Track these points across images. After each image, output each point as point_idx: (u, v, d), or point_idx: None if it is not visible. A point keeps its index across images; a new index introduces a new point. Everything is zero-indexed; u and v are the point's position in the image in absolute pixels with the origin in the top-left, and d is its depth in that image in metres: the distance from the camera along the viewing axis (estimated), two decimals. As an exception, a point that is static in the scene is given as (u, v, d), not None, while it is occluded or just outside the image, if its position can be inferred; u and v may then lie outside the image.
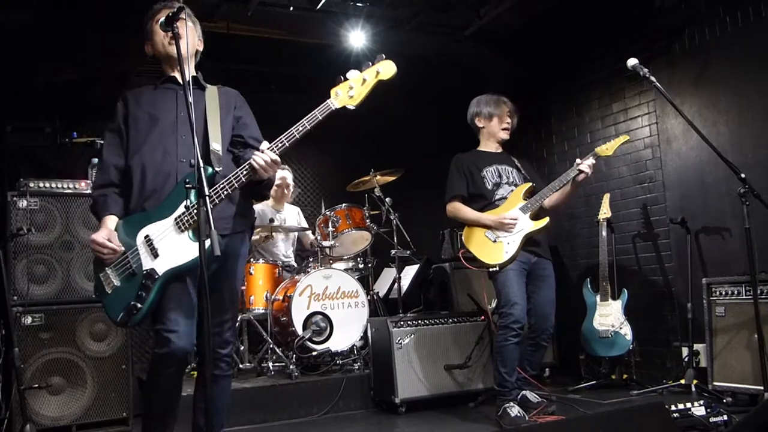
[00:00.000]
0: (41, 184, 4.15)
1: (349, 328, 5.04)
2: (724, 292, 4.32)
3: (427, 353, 4.56)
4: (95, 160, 4.42)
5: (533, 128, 6.30)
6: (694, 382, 4.40)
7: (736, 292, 4.24)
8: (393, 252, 5.55)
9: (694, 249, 4.76)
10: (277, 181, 5.38)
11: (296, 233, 5.92)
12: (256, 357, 5.10)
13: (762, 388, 3.47)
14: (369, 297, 5.34)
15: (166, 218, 2.59)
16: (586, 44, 5.67)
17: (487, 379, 4.61)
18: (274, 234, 5.56)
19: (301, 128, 2.62)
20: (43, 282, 4.07)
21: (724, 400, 4.05)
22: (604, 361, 4.96)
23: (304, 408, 4.49)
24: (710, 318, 4.36)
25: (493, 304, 4.73)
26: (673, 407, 3.37)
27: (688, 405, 3.42)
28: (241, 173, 2.59)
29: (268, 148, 2.61)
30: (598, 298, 4.97)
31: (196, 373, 4.59)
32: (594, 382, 4.91)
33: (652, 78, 3.64)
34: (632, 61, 3.72)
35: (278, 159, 2.61)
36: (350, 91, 2.64)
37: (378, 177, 5.73)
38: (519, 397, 4.00)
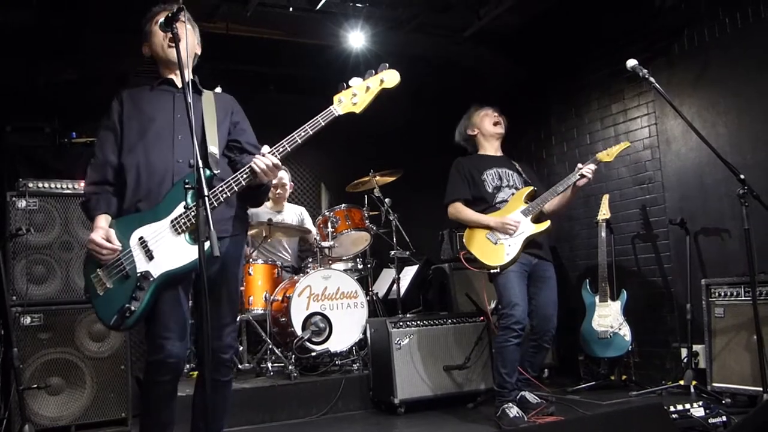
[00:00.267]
0: (40, 185, 4.14)
1: (348, 329, 5.04)
2: (723, 293, 4.32)
3: (426, 354, 4.56)
4: (94, 160, 4.41)
5: (533, 129, 6.30)
6: (693, 383, 4.40)
7: (735, 293, 4.24)
8: (392, 252, 5.55)
9: (693, 250, 4.76)
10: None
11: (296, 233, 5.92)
12: (255, 357, 5.10)
13: (761, 389, 3.47)
14: (368, 297, 5.35)
15: (161, 220, 2.56)
16: (585, 45, 5.67)
17: (486, 380, 4.62)
18: (273, 234, 5.56)
19: (303, 133, 2.61)
20: (42, 282, 4.07)
21: (723, 401, 4.05)
22: (603, 362, 4.96)
23: (303, 408, 4.49)
24: (709, 319, 4.36)
25: (492, 305, 4.73)
26: (672, 408, 3.37)
27: (687, 406, 3.42)
28: (241, 176, 2.58)
29: (269, 152, 2.60)
30: (597, 299, 4.97)
31: (196, 373, 4.63)
32: (593, 382, 4.91)
33: (652, 79, 3.65)
34: (632, 62, 3.72)
35: (279, 163, 2.59)
36: (354, 98, 2.64)
37: (377, 178, 5.73)
38: (518, 397, 4.00)
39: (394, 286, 5.67)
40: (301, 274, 5.25)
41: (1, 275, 3.70)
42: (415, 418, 4.34)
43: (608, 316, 4.87)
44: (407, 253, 5.74)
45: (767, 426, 2.33)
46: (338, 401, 4.59)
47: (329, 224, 5.41)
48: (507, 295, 3.94)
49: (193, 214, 2.52)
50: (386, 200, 5.64)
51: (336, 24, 5.57)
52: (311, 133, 2.62)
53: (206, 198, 2.22)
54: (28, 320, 3.96)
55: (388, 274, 6.58)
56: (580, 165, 4.03)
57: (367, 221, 5.58)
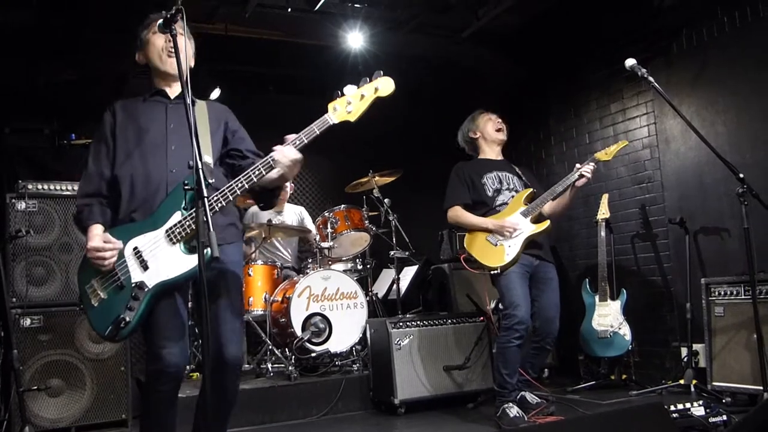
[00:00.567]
0: (40, 186, 4.14)
1: (348, 329, 5.04)
2: (722, 292, 4.32)
3: (426, 354, 4.56)
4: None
5: (532, 129, 6.30)
6: (693, 382, 4.40)
7: (734, 292, 4.24)
8: (392, 253, 5.55)
9: (692, 249, 4.76)
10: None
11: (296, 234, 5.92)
12: (255, 358, 5.10)
13: (761, 388, 3.47)
14: (368, 298, 5.34)
15: (155, 230, 2.54)
16: (584, 45, 5.67)
17: (486, 380, 4.61)
18: (273, 235, 5.56)
19: (298, 142, 2.59)
20: (42, 284, 4.07)
21: (724, 400, 4.05)
22: (603, 362, 4.96)
23: (303, 409, 4.49)
24: (709, 318, 4.36)
25: (492, 305, 4.74)
26: (672, 407, 3.37)
27: (688, 405, 3.42)
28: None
29: (290, 143, 2.58)
30: (597, 299, 4.98)
31: (196, 375, 4.63)
32: (593, 382, 4.91)
33: (651, 78, 3.64)
34: (630, 62, 3.72)
35: (300, 156, 2.57)
36: (348, 107, 2.62)
37: (376, 178, 5.74)
38: (518, 398, 4.00)
39: (394, 287, 5.67)
40: (301, 275, 5.25)
41: (1, 277, 3.70)
42: (415, 418, 4.34)
43: (608, 316, 4.87)
44: (407, 253, 5.73)
45: (767, 425, 2.33)
46: (338, 402, 4.59)
47: (329, 225, 5.41)
48: (509, 295, 3.94)
49: (188, 223, 2.50)
50: (385, 200, 5.64)
51: (335, 24, 5.57)
52: (306, 141, 2.60)
53: (206, 200, 2.21)
54: (27, 322, 3.96)
55: (387, 275, 6.58)
56: (578, 165, 4.04)
57: (366, 222, 5.58)
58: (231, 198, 2.55)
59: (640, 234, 5.24)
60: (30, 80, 5.72)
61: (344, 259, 5.70)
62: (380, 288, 6.45)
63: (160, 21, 2.49)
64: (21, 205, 4.07)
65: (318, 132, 2.60)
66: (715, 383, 4.23)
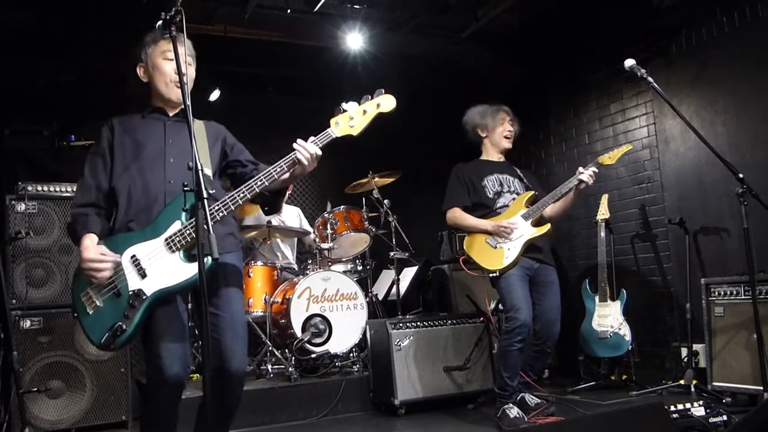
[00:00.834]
0: (39, 188, 4.14)
1: (348, 330, 5.04)
2: (722, 293, 4.32)
3: (426, 355, 4.56)
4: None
5: (532, 129, 6.30)
6: (694, 382, 4.40)
7: (734, 292, 4.24)
8: (392, 254, 5.55)
9: (692, 249, 4.76)
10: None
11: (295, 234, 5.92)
12: (255, 359, 5.10)
13: (761, 388, 3.46)
14: (368, 299, 5.34)
15: (155, 238, 2.54)
16: (584, 45, 5.67)
17: (486, 381, 4.61)
18: (272, 236, 5.56)
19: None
20: (42, 285, 4.07)
21: (724, 401, 4.05)
22: (603, 362, 4.96)
23: (303, 410, 4.49)
24: (709, 318, 4.36)
25: (492, 306, 4.73)
26: (672, 408, 3.37)
27: (688, 405, 3.42)
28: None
29: (312, 141, 2.64)
30: (597, 299, 4.98)
31: (196, 376, 4.63)
32: (593, 382, 4.91)
33: (650, 78, 3.64)
34: (630, 62, 3.71)
35: (320, 152, 2.64)
36: (351, 122, 2.68)
37: (376, 179, 5.73)
38: (517, 399, 3.99)
39: (394, 288, 5.67)
40: (301, 276, 5.25)
41: (1, 279, 3.70)
42: (415, 419, 4.34)
43: (608, 316, 4.87)
44: (407, 254, 5.73)
45: (767, 425, 2.33)
46: (338, 403, 4.58)
47: (328, 226, 5.40)
48: (510, 298, 3.90)
49: (188, 232, 2.50)
50: (385, 201, 5.64)
51: (334, 25, 5.57)
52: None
53: (206, 201, 2.21)
54: (27, 323, 3.96)
55: (387, 276, 6.58)
56: (581, 168, 3.99)
57: (366, 223, 5.58)
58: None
59: (640, 234, 5.24)
60: (30, 81, 5.72)
61: (344, 260, 5.70)
62: (380, 289, 6.45)
63: (159, 22, 2.49)
64: (21, 207, 4.07)
65: (321, 145, 2.67)
66: (715, 383, 4.23)
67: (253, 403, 4.35)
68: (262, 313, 5.13)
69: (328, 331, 4.98)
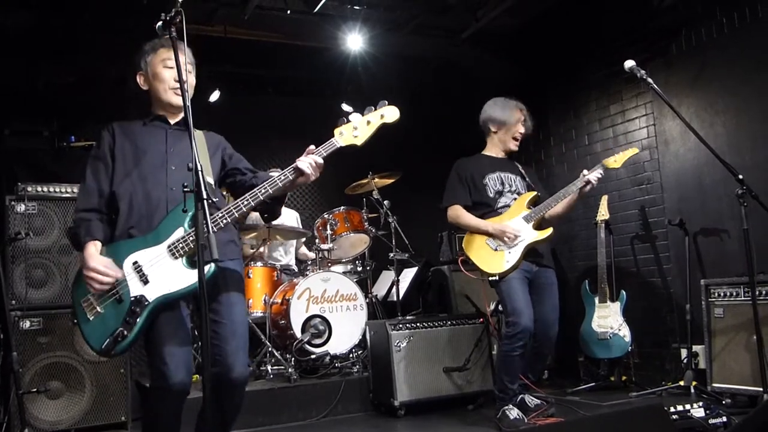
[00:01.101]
0: (39, 188, 4.14)
1: (347, 331, 5.04)
2: (722, 294, 4.32)
3: (425, 356, 4.55)
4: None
5: (531, 130, 6.29)
6: (693, 383, 4.40)
7: (734, 294, 4.24)
8: (391, 255, 5.55)
9: (692, 250, 4.76)
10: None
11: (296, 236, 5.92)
12: (255, 360, 5.09)
13: (761, 389, 3.46)
14: (367, 300, 5.34)
15: (157, 245, 2.54)
16: (583, 46, 5.67)
17: (485, 382, 4.61)
18: (272, 237, 5.56)
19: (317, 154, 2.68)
20: (41, 286, 4.07)
21: (723, 402, 4.05)
22: (602, 363, 4.95)
23: (303, 411, 4.48)
24: (709, 319, 4.35)
25: (492, 306, 4.73)
26: (672, 409, 3.37)
27: (688, 407, 3.42)
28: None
29: (314, 152, 2.67)
30: (596, 300, 4.98)
31: (196, 377, 4.62)
32: (593, 383, 4.91)
33: (650, 79, 3.63)
34: (629, 63, 3.70)
35: (322, 162, 2.68)
36: (355, 132, 2.72)
37: (376, 180, 5.74)
38: (517, 401, 3.98)
39: (394, 289, 5.67)
40: (301, 277, 5.25)
41: (0, 279, 3.70)
42: (415, 420, 4.34)
43: (608, 317, 4.87)
44: (406, 255, 5.74)
45: (767, 426, 2.33)
46: (338, 404, 4.58)
47: (328, 227, 5.40)
48: (511, 303, 3.84)
49: (191, 238, 2.50)
50: (385, 202, 5.64)
51: (334, 26, 5.58)
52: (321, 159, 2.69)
53: (205, 200, 2.21)
54: (27, 324, 3.96)
55: (387, 276, 6.58)
56: (585, 171, 3.95)
57: (366, 223, 5.58)
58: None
59: (640, 235, 5.24)
60: (30, 81, 5.73)
61: (344, 260, 5.70)
62: (380, 290, 6.45)
63: (160, 23, 2.49)
64: (20, 208, 4.07)
65: (325, 154, 2.70)
66: (714, 384, 4.22)
67: (253, 404, 4.35)
68: (261, 314, 5.14)
69: (327, 331, 4.98)
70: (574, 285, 5.58)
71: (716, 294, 4.35)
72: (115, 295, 2.50)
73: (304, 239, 6.11)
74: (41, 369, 3.96)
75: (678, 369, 4.75)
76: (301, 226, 6.07)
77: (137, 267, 2.52)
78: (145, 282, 2.51)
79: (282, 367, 4.85)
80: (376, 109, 2.77)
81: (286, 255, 6.00)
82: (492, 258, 3.92)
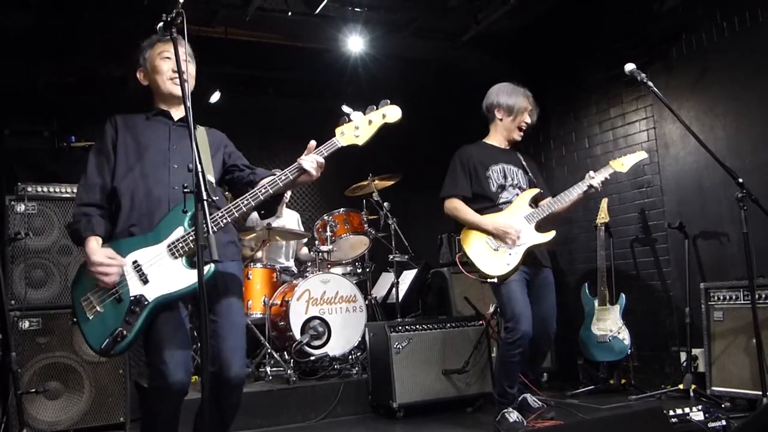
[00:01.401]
0: (39, 189, 4.14)
1: (347, 333, 5.03)
2: (722, 297, 4.32)
3: (425, 358, 4.55)
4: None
5: (531, 132, 6.26)
6: (693, 386, 4.40)
7: (734, 297, 4.24)
8: (391, 256, 5.55)
9: (692, 254, 4.76)
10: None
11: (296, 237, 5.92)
12: (254, 362, 5.09)
13: (760, 392, 3.47)
14: (367, 302, 5.34)
15: (157, 244, 2.53)
16: (584, 49, 5.68)
17: (485, 384, 4.61)
18: (272, 238, 5.56)
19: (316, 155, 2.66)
20: (41, 286, 4.07)
21: (723, 405, 4.05)
22: (602, 366, 4.95)
23: (302, 413, 4.48)
24: (708, 323, 4.35)
25: (492, 309, 4.73)
26: (671, 412, 3.36)
27: (687, 410, 3.41)
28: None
29: (315, 152, 2.66)
30: (596, 303, 4.97)
31: (195, 378, 4.62)
32: (592, 387, 4.91)
33: (650, 83, 3.63)
34: (630, 66, 3.70)
35: (324, 162, 2.66)
36: (356, 131, 2.69)
37: (376, 181, 5.74)
38: (519, 399, 3.96)
39: (393, 290, 5.66)
40: (300, 278, 5.24)
41: (0, 279, 3.70)
42: (414, 422, 4.33)
43: (607, 320, 4.87)
44: (406, 257, 5.73)
45: (767, 429, 2.33)
46: (337, 405, 4.58)
47: (328, 228, 5.40)
48: (511, 307, 3.76)
49: (191, 238, 2.49)
50: (385, 204, 5.64)
51: (334, 28, 5.58)
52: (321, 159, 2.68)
53: (205, 201, 2.21)
54: (26, 324, 3.95)
55: (386, 278, 6.58)
56: (591, 173, 3.90)
57: (365, 225, 5.58)
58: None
59: (640, 238, 5.24)
60: (30, 82, 5.73)
61: (343, 262, 5.70)
62: (379, 292, 6.45)
63: (161, 24, 2.49)
64: (20, 208, 4.07)
65: (326, 153, 2.68)
66: (714, 388, 4.22)
67: (252, 405, 4.34)
68: (261, 316, 5.13)
69: (327, 333, 4.97)
70: (574, 288, 5.58)
71: (716, 297, 4.35)
72: (115, 295, 2.50)
73: (305, 240, 6.11)
74: (40, 369, 3.96)
75: (677, 372, 4.75)
76: (302, 227, 6.07)
77: (137, 266, 2.52)
78: (145, 281, 2.50)
79: (281, 369, 4.85)
80: (378, 109, 2.73)
81: (286, 257, 5.99)
82: (492, 259, 3.82)
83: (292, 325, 4.85)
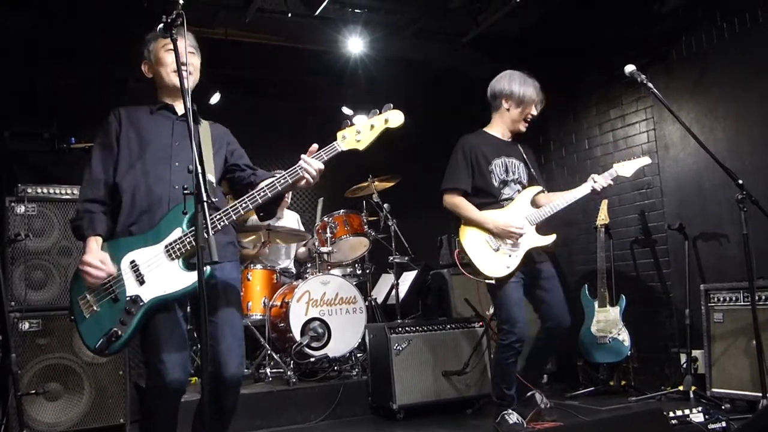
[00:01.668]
0: (39, 190, 4.14)
1: (347, 334, 5.03)
2: (722, 299, 4.32)
3: (424, 359, 4.55)
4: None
5: (531, 133, 6.24)
6: (693, 388, 4.40)
7: (734, 299, 4.24)
8: (391, 258, 5.55)
9: (692, 255, 4.76)
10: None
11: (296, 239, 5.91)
12: (254, 363, 5.09)
13: (760, 394, 3.46)
14: (367, 303, 5.34)
15: (155, 245, 2.53)
16: (583, 50, 5.68)
17: (484, 386, 4.60)
18: (272, 240, 5.55)
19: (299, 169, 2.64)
20: (41, 288, 4.06)
21: (723, 407, 4.04)
22: (602, 368, 4.95)
23: (302, 414, 4.48)
24: (708, 324, 4.35)
25: (491, 310, 4.72)
26: (671, 414, 3.37)
27: (687, 411, 3.42)
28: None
29: (314, 156, 2.64)
30: (596, 305, 4.97)
31: (195, 379, 4.62)
32: (592, 388, 4.91)
33: (650, 84, 3.63)
34: (630, 68, 3.70)
35: (323, 167, 2.64)
36: (358, 136, 2.66)
37: (376, 183, 5.74)
38: (528, 394, 3.93)
39: (393, 292, 5.66)
40: (300, 280, 5.24)
41: (0, 281, 3.69)
42: (413, 423, 4.33)
43: (607, 322, 4.87)
44: (406, 258, 5.73)
45: (767, 431, 2.33)
46: (337, 407, 4.58)
47: (328, 229, 5.40)
48: (507, 310, 3.75)
49: (188, 240, 2.49)
50: (385, 205, 5.63)
51: (334, 29, 5.59)
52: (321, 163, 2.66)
53: (205, 204, 2.21)
54: (26, 326, 3.95)
55: (386, 280, 6.58)
56: (595, 176, 3.86)
57: (365, 226, 5.57)
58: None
59: (640, 240, 5.24)
60: (30, 83, 5.73)
61: (343, 263, 5.69)
62: (379, 293, 6.45)
63: (161, 25, 2.49)
64: (20, 209, 4.06)
65: (326, 158, 2.66)
66: (714, 389, 4.22)
67: (252, 407, 4.34)
68: (261, 317, 5.13)
69: (327, 335, 4.97)
70: (574, 289, 5.57)
71: (716, 299, 4.35)
72: (111, 294, 2.50)
73: (304, 241, 6.10)
74: (40, 371, 3.95)
75: (677, 374, 4.75)
76: (302, 228, 6.06)
77: (134, 266, 2.52)
78: (141, 282, 2.50)
79: (281, 370, 4.84)
80: (380, 113, 2.71)
81: (287, 258, 5.99)
82: (492, 259, 3.77)
83: (292, 327, 4.85)
